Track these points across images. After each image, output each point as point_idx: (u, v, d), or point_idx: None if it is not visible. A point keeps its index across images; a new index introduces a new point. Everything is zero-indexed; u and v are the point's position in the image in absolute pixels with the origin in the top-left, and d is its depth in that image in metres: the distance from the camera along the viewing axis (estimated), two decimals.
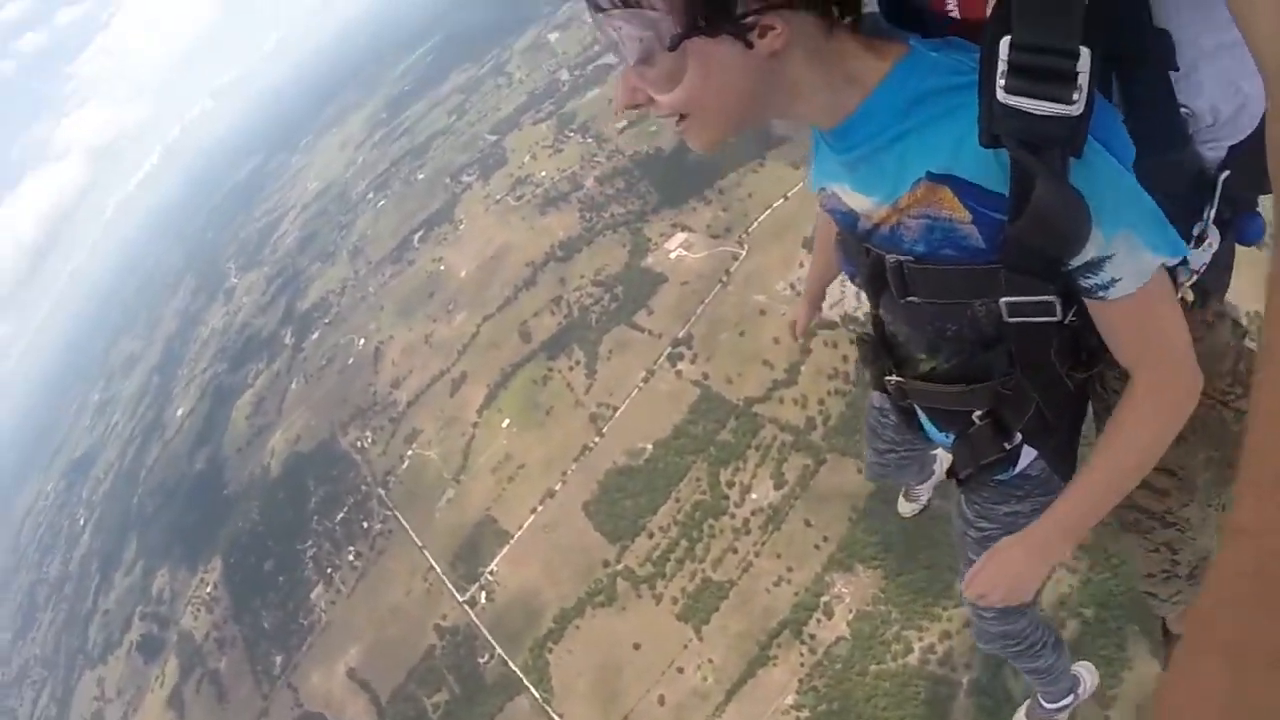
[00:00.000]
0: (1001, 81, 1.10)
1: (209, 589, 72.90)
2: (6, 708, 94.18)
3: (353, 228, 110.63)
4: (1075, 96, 1.07)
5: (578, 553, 46.91)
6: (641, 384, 51.26)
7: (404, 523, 58.37)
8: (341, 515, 63.26)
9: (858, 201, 1.47)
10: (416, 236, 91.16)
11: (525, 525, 50.78)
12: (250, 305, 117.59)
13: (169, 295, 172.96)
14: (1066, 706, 3.32)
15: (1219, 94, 1.26)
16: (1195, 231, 1.47)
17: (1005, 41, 1.09)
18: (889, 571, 26.93)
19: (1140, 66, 1.23)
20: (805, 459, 36.60)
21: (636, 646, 41.47)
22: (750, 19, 1.19)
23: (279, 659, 60.60)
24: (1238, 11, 0.78)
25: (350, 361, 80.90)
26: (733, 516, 39.20)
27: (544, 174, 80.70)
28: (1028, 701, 3.53)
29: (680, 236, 58.54)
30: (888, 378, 1.81)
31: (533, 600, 48.25)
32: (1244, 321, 1.88)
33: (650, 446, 46.40)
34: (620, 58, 1.26)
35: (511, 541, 51.24)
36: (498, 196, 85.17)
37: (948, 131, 1.25)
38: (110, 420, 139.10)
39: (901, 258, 1.42)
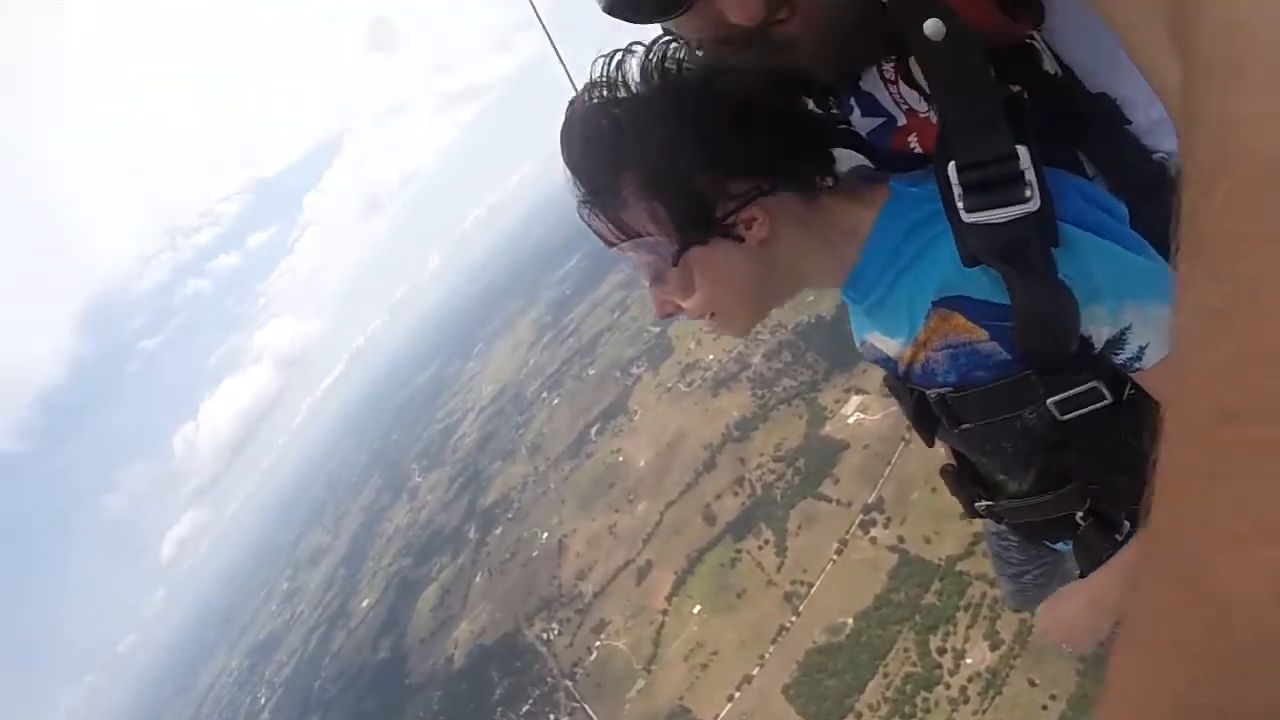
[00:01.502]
0: (961, 204, 1.16)
1: None
2: None
3: (530, 426, 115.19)
4: (1028, 193, 1.12)
5: None
6: (835, 556, 50.50)
7: (592, 715, 57.49)
8: (526, 708, 62.71)
9: (888, 346, 1.53)
10: (593, 430, 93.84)
11: (722, 714, 48.99)
12: (434, 502, 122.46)
13: (355, 493, 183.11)
14: None
15: None
16: None
17: (951, 167, 1.16)
18: None
19: (1091, 134, 1.30)
20: (1020, 613, 33.68)
21: None
22: (731, 219, 1.31)
23: None
24: (1139, 63, 0.81)
25: (534, 555, 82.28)
26: (948, 686, 37.38)
27: (711, 358, 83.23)
28: None
29: (855, 400, 58.75)
30: (977, 504, 1.77)
31: None
32: None
33: (851, 620, 45.15)
34: (643, 278, 1.40)
35: None
36: (669, 384, 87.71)
37: (938, 259, 1.31)
38: (296, 608, 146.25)
39: (941, 390, 1.46)
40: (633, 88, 1.34)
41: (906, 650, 39.73)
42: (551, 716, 59.73)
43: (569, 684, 59.75)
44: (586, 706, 57.08)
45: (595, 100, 1.34)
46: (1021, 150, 1.11)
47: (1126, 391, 1.37)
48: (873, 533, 47.39)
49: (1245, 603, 0.34)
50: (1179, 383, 0.44)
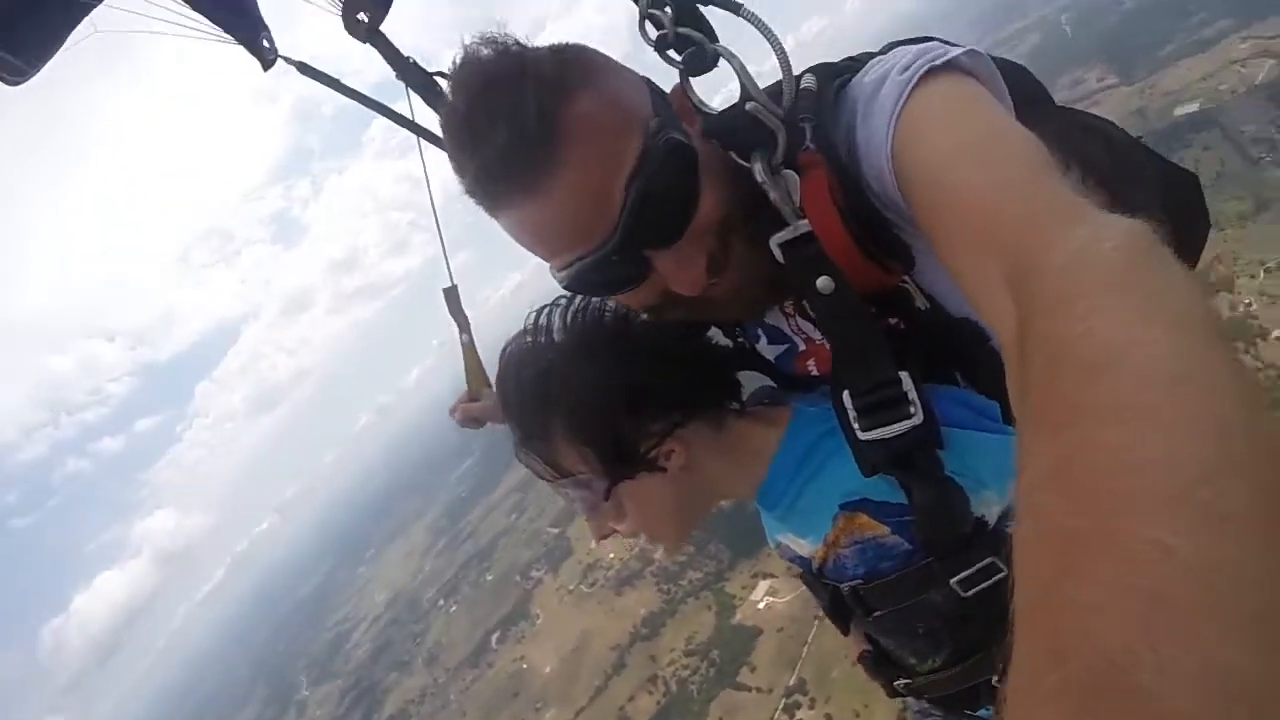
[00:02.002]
0: (856, 425, 1.30)
1: None
2: None
3: (426, 635, 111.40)
4: (912, 410, 1.26)
5: None
6: None
7: None
8: None
9: (800, 546, 1.63)
10: (494, 637, 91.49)
11: None
12: (324, 717, 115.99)
13: (238, 707, 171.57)
14: None
15: None
16: None
17: (846, 395, 1.31)
18: None
19: (961, 351, 1.45)
20: None
21: None
22: (653, 454, 1.46)
23: None
24: (974, 303, 0.98)
25: None
26: None
27: (612, 556, 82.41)
28: None
29: (764, 584, 59.31)
30: (896, 684, 1.86)
31: None
32: None
33: None
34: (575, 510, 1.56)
35: None
36: (570, 586, 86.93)
37: (839, 468, 1.41)
38: None
39: (852, 583, 1.56)
40: (557, 337, 1.49)
41: None
42: None
43: None
44: None
45: (525, 350, 1.51)
46: (903, 375, 1.27)
47: None
48: (799, 715, 47.58)
49: (1113, 658, 0.41)
50: (1029, 514, 0.53)
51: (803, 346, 1.57)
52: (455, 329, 2.24)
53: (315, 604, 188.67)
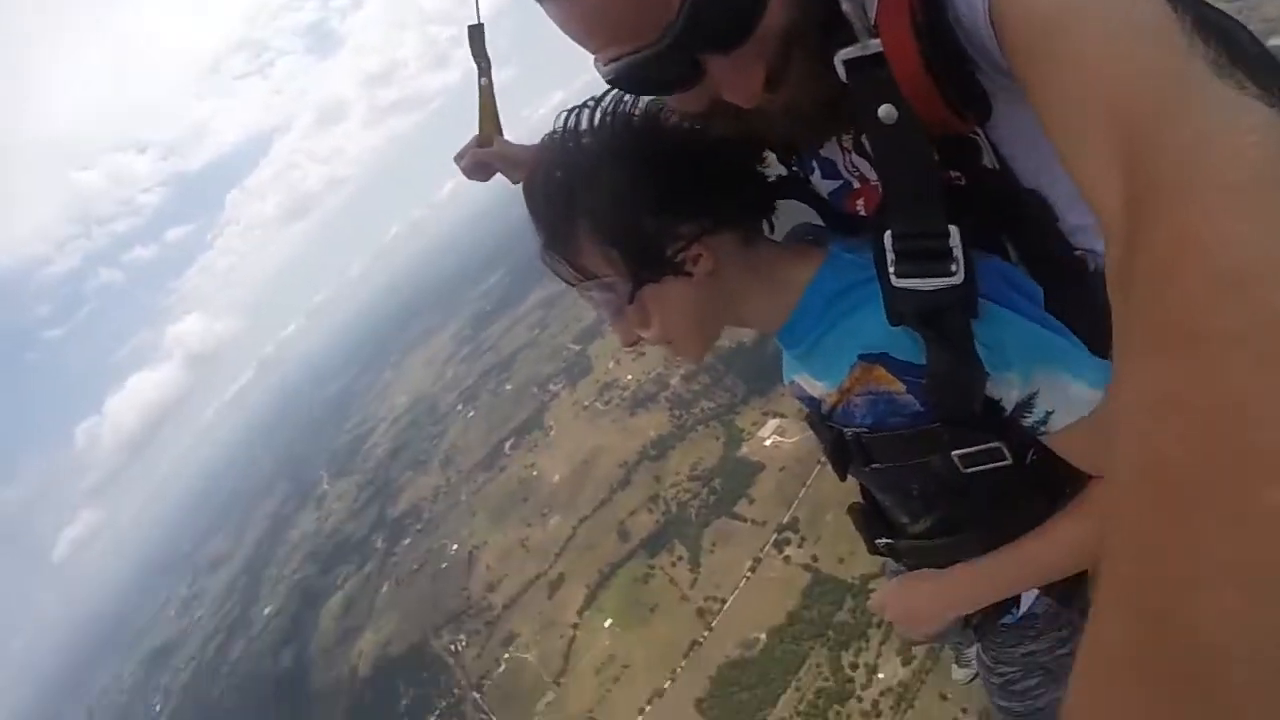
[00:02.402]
0: (892, 269, 1.26)
1: None
2: None
3: (443, 438, 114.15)
4: (954, 268, 1.21)
5: None
6: (749, 574, 51.24)
7: None
8: (433, 718, 61.91)
9: (814, 388, 1.65)
10: (507, 444, 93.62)
11: None
12: (341, 511, 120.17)
13: (260, 499, 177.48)
14: None
15: None
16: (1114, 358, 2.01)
17: (888, 235, 1.26)
18: None
19: (1018, 225, 1.39)
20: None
21: None
22: (680, 257, 1.40)
23: None
24: (1071, 170, 0.86)
25: (443, 566, 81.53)
26: (860, 699, 38.15)
27: (630, 377, 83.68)
28: None
29: (773, 423, 59.81)
30: (878, 541, 1.89)
31: None
32: None
33: (764, 636, 45.79)
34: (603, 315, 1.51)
35: None
36: (586, 402, 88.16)
37: (868, 318, 1.39)
38: (195, 615, 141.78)
39: (856, 430, 1.58)
40: (585, 138, 1.44)
41: (819, 665, 40.67)
42: None
43: (476, 695, 59.48)
44: (494, 718, 56.94)
45: (553, 150, 1.47)
46: (953, 229, 1.20)
47: (1030, 456, 1.49)
48: (787, 551, 48.37)
49: (1202, 636, 0.37)
50: (1128, 451, 0.47)
51: (856, 185, 1.52)
52: (475, 72, 2.12)
53: (338, 405, 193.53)
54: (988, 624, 1.92)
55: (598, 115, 1.43)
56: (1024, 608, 1.90)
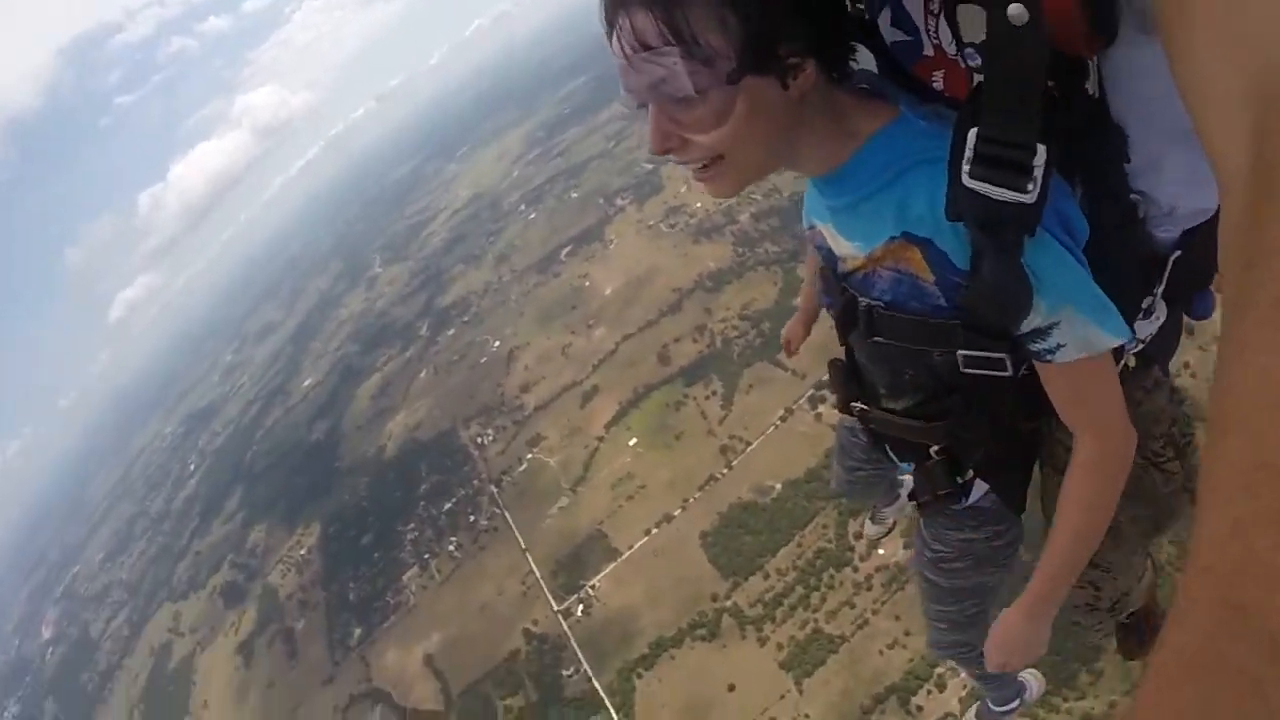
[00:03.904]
0: (967, 167, 1.22)
1: (303, 551, 74.66)
2: (81, 620, 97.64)
3: (501, 235, 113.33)
4: (1030, 187, 1.19)
5: (687, 582, 46.23)
6: (778, 422, 50.86)
7: (511, 523, 58.36)
8: (449, 505, 63.69)
9: (839, 245, 1.60)
10: (564, 251, 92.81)
11: (636, 546, 50.23)
12: (391, 295, 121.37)
13: (313, 275, 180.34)
14: (1013, 709, 3.53)
15: (1182, 185, 1.39)
16: (1144, 305, 1.62)
17: (973, 133, 1.21)
18: None
19: (1096, 156, 1.35)
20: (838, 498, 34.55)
21: (731, 688, 40.56)
22: (793, 60, 1.27)
23: (358, 631, 61.20)
24: (1190, 105, 0.81)
25: (483, 360, 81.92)
26: (855, 570, 38.32)
27: (699, 205, 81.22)
28: (977, 704, 3.74)
29: None
30: (853, 404, 1.97)
31: (631, 623, 47.16)
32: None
33: (779, 486, 45.75)
34: (655, 99, 1.29)
35: (619, 560, 50.57)
36: (650, 222, 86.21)
37: (923, 199, 1.35)
38: (237, 380, 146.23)
39: (871, 302, 1.57)
40: None
41: (825, 527, 40.48)
42: (471, 517, 60.48)
43: (494, 489, 60.30)
44: (507, 514, 57.71)
45: None
46: (1040, 148, 1.19)
47: (1021, 371, 1.55)
48: (819, 409, 47.25)
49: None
50: (1238, 436, 0.45)
51: (929, 51, 1.45)
52: None
53: (400, 191, 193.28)
54: (935, 505, 2.06)
55: None
56: (972, 499, 2.03)
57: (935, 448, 1.88)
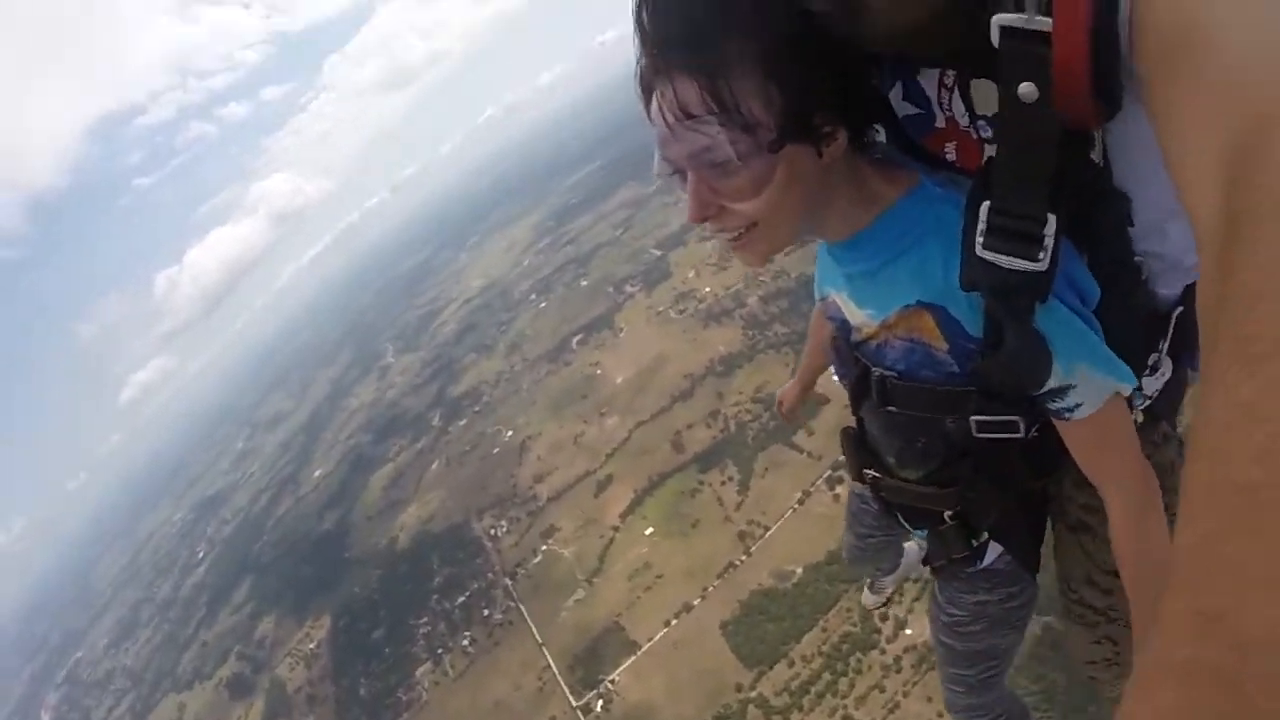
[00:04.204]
0: (980, 239, 1.26)
1: (312, 645, 73.24)
2: (83, 706, 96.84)
3: (512, 325, 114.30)
4: (1041, 256, 1.23)
5: (709, 674, 44.73)
6: (796, 505, 50.14)
7: (527, 616, 57.28)
8: (463, 599, 62.72)
9: (853, 313, 1.64)
10: (575, 339, 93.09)
11: (656, 638, 48.91)
12: (403, 384, 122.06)
13: (325, 363, 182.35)
14: None
15: (1183, 245, 1.44)
16: (1150, 361, 1.64)
17: (985, 205, 1.25)
18: None
19: (1101, 221, 1.38)
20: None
21: None
22: (828, 127, 1.31)
23: None
24: (1170, 164, 0.87)
25: (495, 451, 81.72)
26: (883, 652, 37.14)
27: (708, 290, 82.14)
28: None
29: None
30: (865, 471, 1.98)
31: (652, 718, 45.05)
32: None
33: (800, 570, 44.88)
34: (696, 167, 1.31)
35: (639, 652, 49.15)
36: (660, 308, 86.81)
37: (939, 268, 1.40)
38: (248, 468, 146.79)
39: (885, 372, 1.60)
40: None
41: (849, 610, 39.47)
42: (486, 611, 59.44)
43: (508, 582, 59.34)
44: (522, 607, 56.73)
45: None
46: (1051, 218, 1.23)
47: (1031, 431, 1.59)
48: (837, 490, 46.51)
49: (1263, 639, 0.37)
50: (1205, 459, 0.48)
51: (940, 123, 1.50)
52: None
53: (412, 281, 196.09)
54: (950, 570, 2.06)
55: None
56: (986, 561, 2.04)
57: (948, 512, 1.89)
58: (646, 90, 1.32)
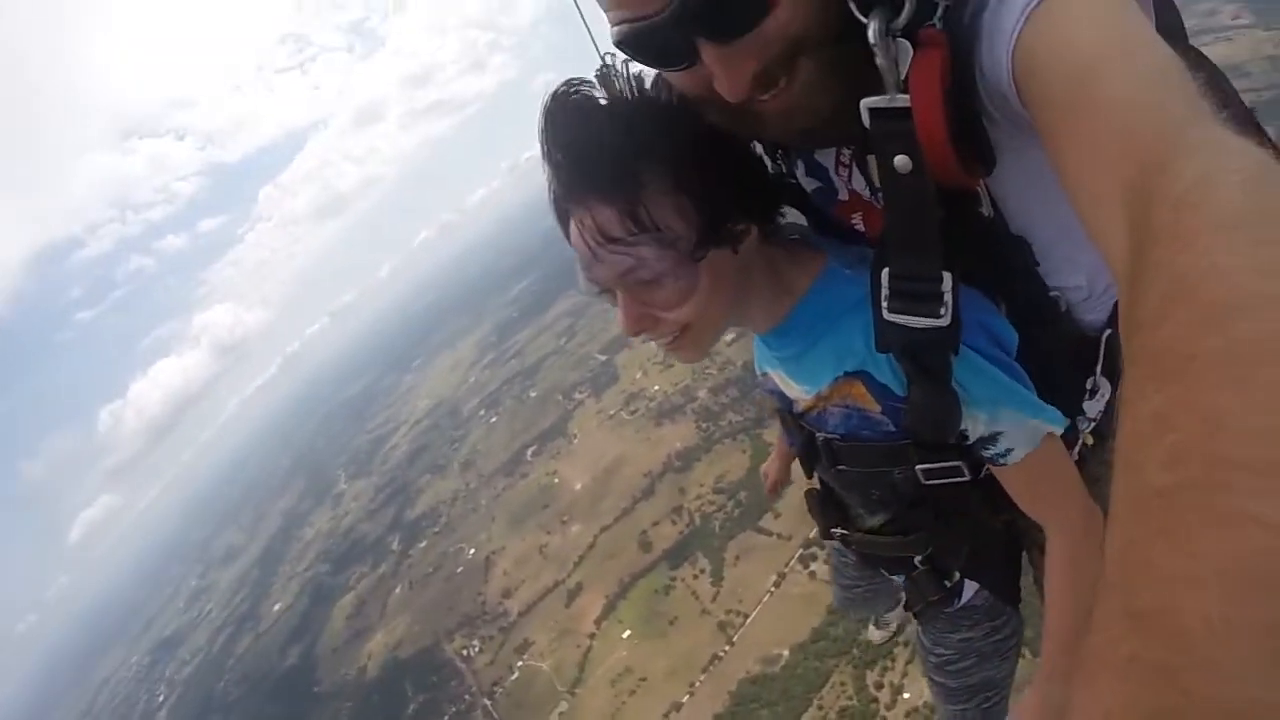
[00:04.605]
0: (885, 304, 1.32)
1: None
2: None
3: (464, 442, 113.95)
4: (943, 311, 1.28)
5: None
6: (773, 589, 50.45)
7: None
8: None
9: (790, 389, 1.71)
10: (530, 450, 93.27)
11: None
12: (358, 511, 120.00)
13: (276, 495, 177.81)
14: None
15: (1094, 271, 1.50)
16: (1088, 386, 1.72)
17: (885, 272, 1.31)
18: None
19: (1005, 268, 1.45)
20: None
21: None
22: (739, 228, 1.38)
23: None
24: (1078, 207, 0.92)
25: (459, 570, 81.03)
26: None
27: (656, 388, 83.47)
28: None
29: None
30: (833, 530, 2.05)
31: None
32: None
33: (787, 653, 44.76)
34: (623, 286, 1.38)
35: None
36: (611, 411, 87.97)
37: (859, 338, 1.45)
38: (204, 606, 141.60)
39: (828, 435, 1.68)
40: (625, 93, 1.34)
41: (843, 684, 39.49)
42: None
43: (487, 702, 58.34)
44: None
45: (596, 102, 1.33)
46: (946, 275, 1.27)
47: (982, 472, 1.62)
48: (812, 567, 47.29)
49: (1193, 632, 0.40)
50: (1124, 469, 0.52)
51: (844, 196, 1.56)
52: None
53: (359, 406, 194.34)
54: (930, 611, 2.09)
55: (630, 79, 1.35)
56: (964, 599, 2.08)
57: (919, 558, 1.96)
58: (562, 216, 1.39)
